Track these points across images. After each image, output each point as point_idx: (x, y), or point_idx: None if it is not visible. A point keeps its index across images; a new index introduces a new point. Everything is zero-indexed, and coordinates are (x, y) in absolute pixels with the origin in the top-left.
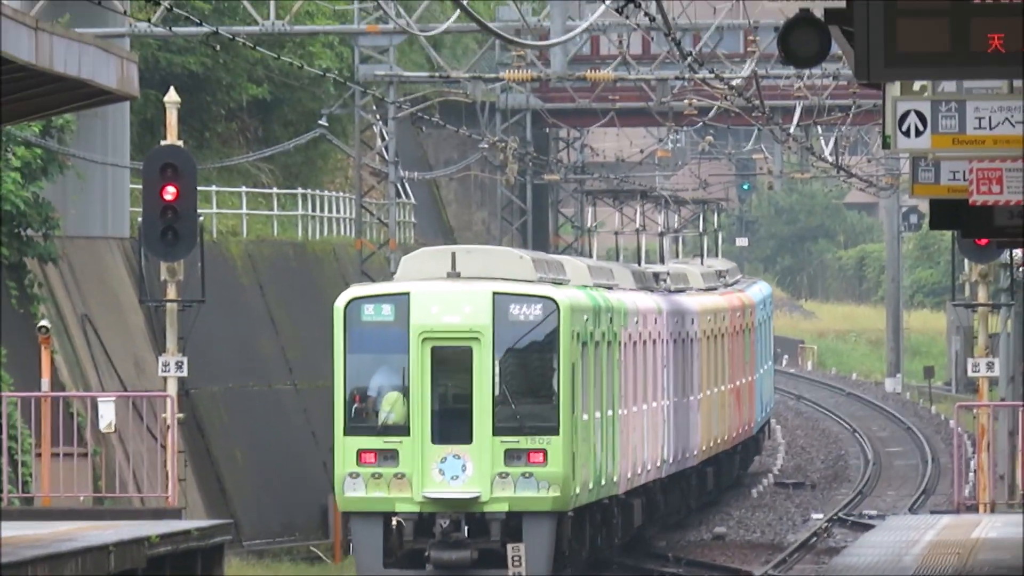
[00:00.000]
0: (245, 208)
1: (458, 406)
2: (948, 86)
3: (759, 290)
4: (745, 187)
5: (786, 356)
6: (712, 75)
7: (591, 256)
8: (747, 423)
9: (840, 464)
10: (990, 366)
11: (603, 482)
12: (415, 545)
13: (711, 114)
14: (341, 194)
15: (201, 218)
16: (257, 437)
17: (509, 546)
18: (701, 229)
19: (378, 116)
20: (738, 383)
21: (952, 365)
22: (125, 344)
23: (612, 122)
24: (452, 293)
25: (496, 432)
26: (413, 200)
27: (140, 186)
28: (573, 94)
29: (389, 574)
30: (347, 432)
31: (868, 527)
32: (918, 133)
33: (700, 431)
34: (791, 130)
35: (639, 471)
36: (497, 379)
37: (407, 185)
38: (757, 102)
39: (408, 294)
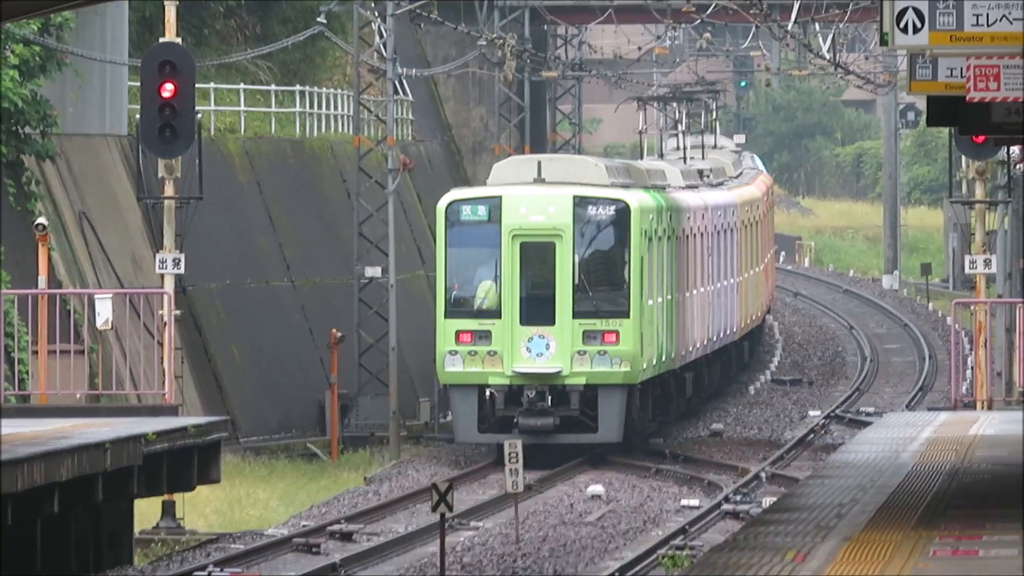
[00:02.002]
0: (243, 105)
1: (543, 293)
2: None
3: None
4: (743, 84)
5: (783, 253)
6: None
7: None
8: (769, 297)
9: (837, 361)
10: (987, 263)
11: (664, 358)
12: (505, 413)
13: (709, 11)
14: (339, 91)
15: (199, 115)
16: (254, 334)
17: (507, 442)
18: (698, 124)
19: (376, 13)
20: (764, 263)
21: (949, 262)
22: (122, 241)
23: (610, 19)
24: (538, 196)
25: (575, 315)
26: (411, 97)
27: (138, 83)
28: None
29: (483, 438)
30: (447, 315)
31: (865, 424)
32: (916, 30)
33: (738, 310)
34: (789, 27)
35: (691, 348)
36: (576, 270)
37: (405, 82)
38: None
39: (500, 197)
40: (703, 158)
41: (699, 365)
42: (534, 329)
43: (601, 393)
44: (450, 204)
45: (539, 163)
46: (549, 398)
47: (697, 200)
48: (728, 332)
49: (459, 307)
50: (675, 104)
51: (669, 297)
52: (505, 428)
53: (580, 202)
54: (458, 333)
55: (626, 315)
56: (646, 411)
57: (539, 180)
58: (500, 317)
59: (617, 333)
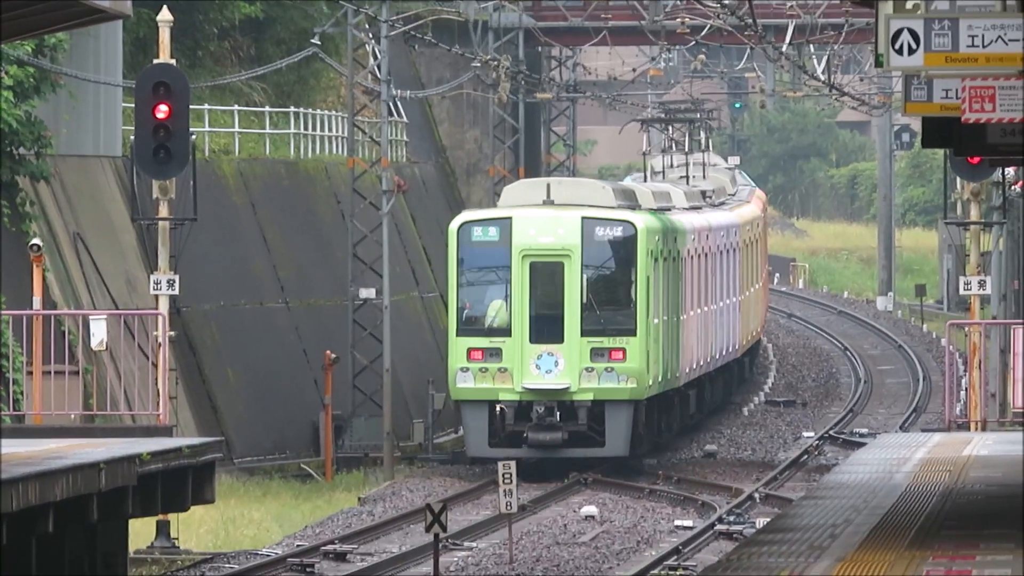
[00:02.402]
0: (237, 127)
1: (552, 312)
2: (941, 4)
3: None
4: (737, 106)
5: (778, 274)
6: None
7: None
8: (765, 313)
9: (831, 382)
10: (982, 284)
11: (668, 376)
12: (515, 428)
13: (703, 33)
14: (333, 113)
15: (193, 136)
16: (248, 355)
17: (500, 464)
18: (699, 144)
19: (371, 35)
20: (762, 280)
21: (944, 283)
22: (117, 262)
23: (604, 41)
24: (547, 217)
25: (583, 333)
26: (405, 119)
27: (132, 105)
28: (565, 12)
29: (493, 452)
30: (459, 333)
31: (859, 445)
32: (911, 51)
33: (740, 327)
34: (783, 49)
35: (695, 366)
36: (584, 289)
37: (399, 104)
38: (749, 21)
39: (511, 218)
40: (704, 177)
41: (702, 382)
42: (543, 347)
43: (608, 409)
44: (462, 225)
45: (548, 185)
46: (558, 413)
47: (701, 221)
48: (731, 349)
49: (470, 325)
50: (676, 125)
51: (674, 316)
52: (515, 443)
53: (588, 223)
54: (469, 350)
55: (633, 333)
56: (651, 426)
57: (548, 202)
58: (510, 335)
59: (624, 351)
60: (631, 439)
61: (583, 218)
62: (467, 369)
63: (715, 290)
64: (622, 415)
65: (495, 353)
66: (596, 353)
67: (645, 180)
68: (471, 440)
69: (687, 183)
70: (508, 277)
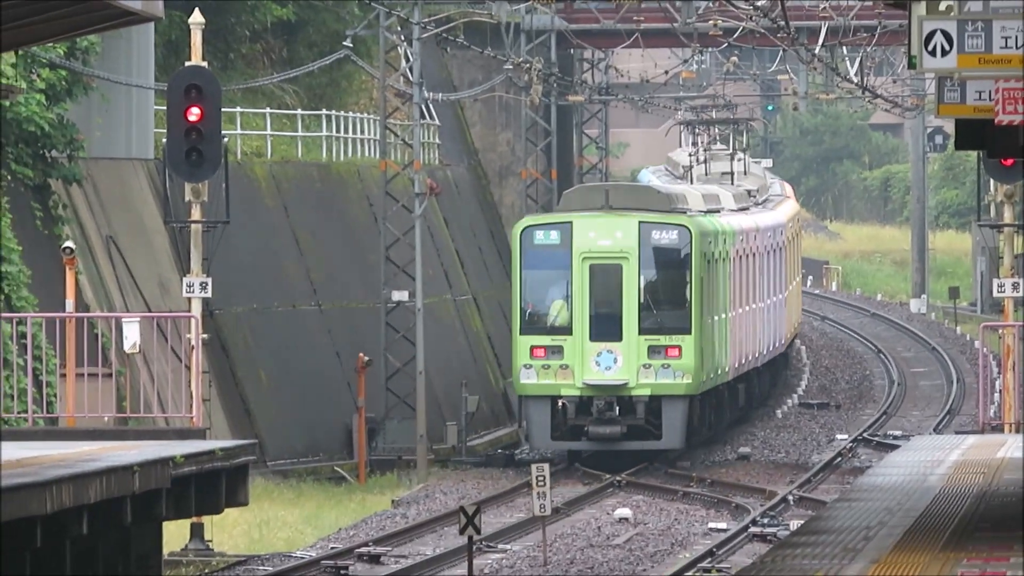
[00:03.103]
0: (269, 129)
1: (611, 311)
2: (974, 6)
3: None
4: (770, 108)
5: (811, 277)
6: None
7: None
8: (800, 307)
9: (865, 385)
10: (1015, 286)
11: (719, 372)
12: (576, 422)
13: (736, 35)
14: (365, 115)
15: (225, 139)
16: (281, 358)
17: (534, 466)
18: (740, 144)
19: (403, 37)
20: (794, 282)
21: (977, 285)
22: (149, 265)
23: (636, 43)
24: (606, 222)
25: (641, 332)
26: (437, 121)
27: (164, 107)
28: (598, 15)
29: (556, 445)
30: (522, 332)
31: (893, 447)
32: (944, 53)
33: (786, 323)
34: (816, 51)
35: (744, 361)
36: (642, 290)
37: (431, 106)
38: (782, 23)
39: (571, 223)
40: (745, 176)
41: (750, 376)
42: (603, 344)
43: (665, 403)
44: (524, 229)
45: (607, 191)
46: (617, 408)
47: (749, 223)
48: (778, 344)
49: (533, 324)
50: (719, 127)
51: (725, 314)
52: (576, 436)
53: (645, 227)
54: (532, 348)
55: (688, 331)
56: (704, 419)
57: (606, 207)
58: (571, 333)
59: (680, 348)
60: (686, 432)
61: (640, 223)
62: (530, 366)
63: (762, 288)
64: (678, 409)
65: (557, 351)
66: (653, 350)
67: (691, 182)
68: (534, 433)
69: (732, 183)
70: (569, 278)
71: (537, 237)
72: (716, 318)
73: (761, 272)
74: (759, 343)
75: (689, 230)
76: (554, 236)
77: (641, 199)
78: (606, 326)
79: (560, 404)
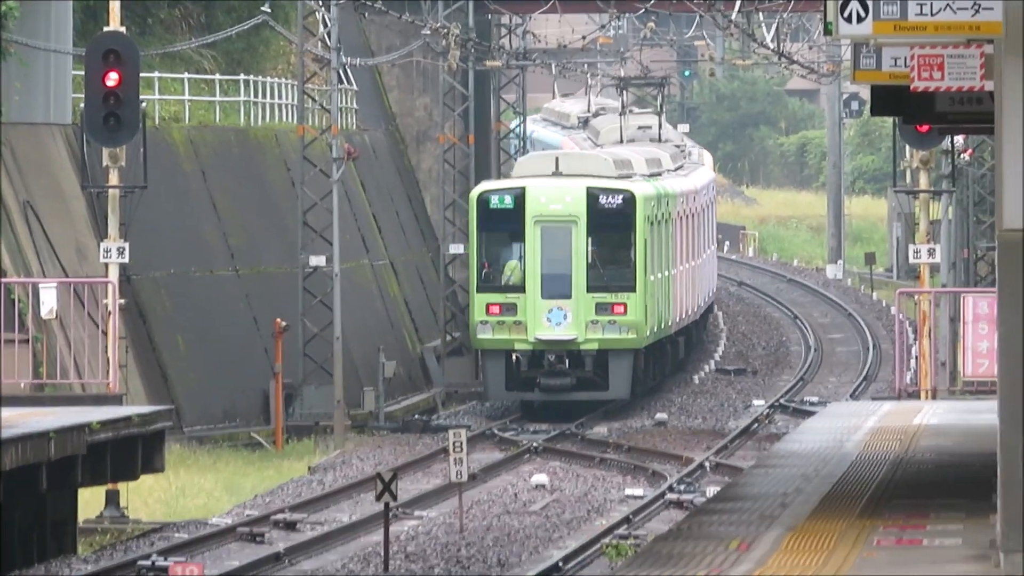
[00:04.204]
0: (187, 94)
1: (561, 271)
2: None
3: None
4: (687, 74)
5: (728, 242)
6: None
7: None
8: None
9: (781, 351)
10: (931, 252)
11: (662, 326)
12: (528, 374)
13: (653, 0)
14: (283, 80)
15: (143, 104)
16: (199, 323)
17: (451, 432)
18: (658, 107)
19: (320, 2)
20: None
21: (893, 251)
22: (67, 230)
23: (554, 8)
24: (556, 187)
25: (589, 290)
26: (355, 86)
27: (83, 73)
28: None
29: (510, 395)
30: (479, 290)
31: (809, 414)
32: (860, 19)
33: (710, 279)
34: (732, 16)
35: (683, 316)
36: (589, 251)
37: (349, 71)
38: None
39: (524, 188)
40: (663, 140)
41: (688, 329)
42: (553, 302)
43: (611, 357)
44: (481, 194)
45: (556, 159)
46: (567, 361)
47: (688, 184)
48: (708, 297)
49: (489, 283)
50: (649, 88)
51: (666, 272)
52: (529, 387)
53: (592, 192)
54: (488, 305)
55: (632, 290)
56: (649, 371)
57: (557, 173)
58: (524, 292)
59: (625, 305)
60: (632, 383)
61: (588, 188)
62: (486, 322)
63: (698, 246)
64: (624, 362)
65: (511, 308)
66: (600, 307)
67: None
68: (490, 384)
69: (659, 140)
70: (522, 240)
71: (492, 201)
72: (659, 275)
73: (697, 231)
74: (696, 297)
75: (633, 194)
76: (508, 200)
77: (589, 166)
78: (556, 284)
79: (514, 357)
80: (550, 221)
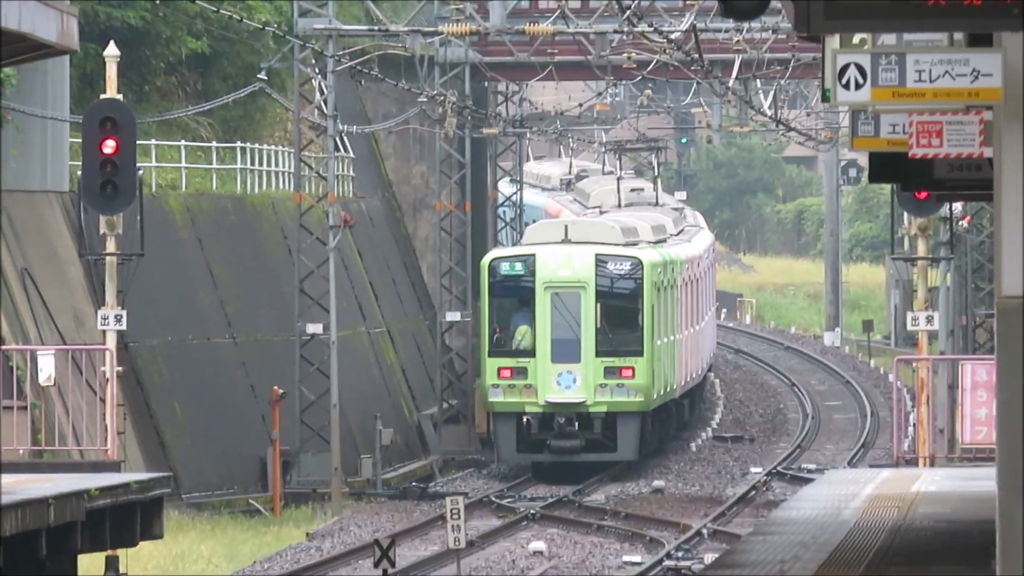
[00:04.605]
0: (184, 162)
1: (570, 336)
2: (888, 39)
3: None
4: (683, 141)
5: (725, 310)
6: (651, 29)
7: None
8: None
9: (779, 418)
10: (929, 320)
11: (668, 389)
12: (539, 436)
13: (650, 68)
14: (280, 148)
15: (140, 172)
16: (196, 390)
17: (448, 499)
18: (655, 172)
19: (317, 70)
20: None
21: (891, 319)
22: (64, 297)
23: (551, 76)
24: (566, 253)
25: (598, 354)
26: (352, 154)
27: (79, 140)
28: (512, 48)
29: (521, 457)
30: (490, 354)
31: (807, 481)
32: (858, 86)
33: (710, 343)
34: (730, 84)
35: (687, 378)
36: (598, 316)
37: (346, 139)
38: (696, 56)
39: (534, 255)
40: (657, 204)
41: (693, 391)
42: (563, 366)
43: (620, 419)
44: (492, 260)
45: (566, 226)
46: (576, 423)
47: (691, 250)
48: (709, 360)
49: (500, 347)
50: (644, 155)
51: (672, 336)
52: (539, 449)
53: (601, 258)
54: (499, 369)
55: (640, 354)
56: (655, 433)
57: (566, 240)
58: (535, 356)
59: (633, 368)
60: (639, 444)
61: (596, 255)
62: (498, 386)
63: (700, 310)
64: (632, 424)
65: (522, 371)
66: (609, 371)
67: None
68: (502, 446)
69: (657, 203)
70: (532, 306)
71: (503, 268)
72: (665, 340)
73: (700, 295)
74: (700, 360)
75: (640, 261)
76: (519, 267)
77: (597, 233)
78: (566, 349)
79: (525, 420)
80: (560, 287)
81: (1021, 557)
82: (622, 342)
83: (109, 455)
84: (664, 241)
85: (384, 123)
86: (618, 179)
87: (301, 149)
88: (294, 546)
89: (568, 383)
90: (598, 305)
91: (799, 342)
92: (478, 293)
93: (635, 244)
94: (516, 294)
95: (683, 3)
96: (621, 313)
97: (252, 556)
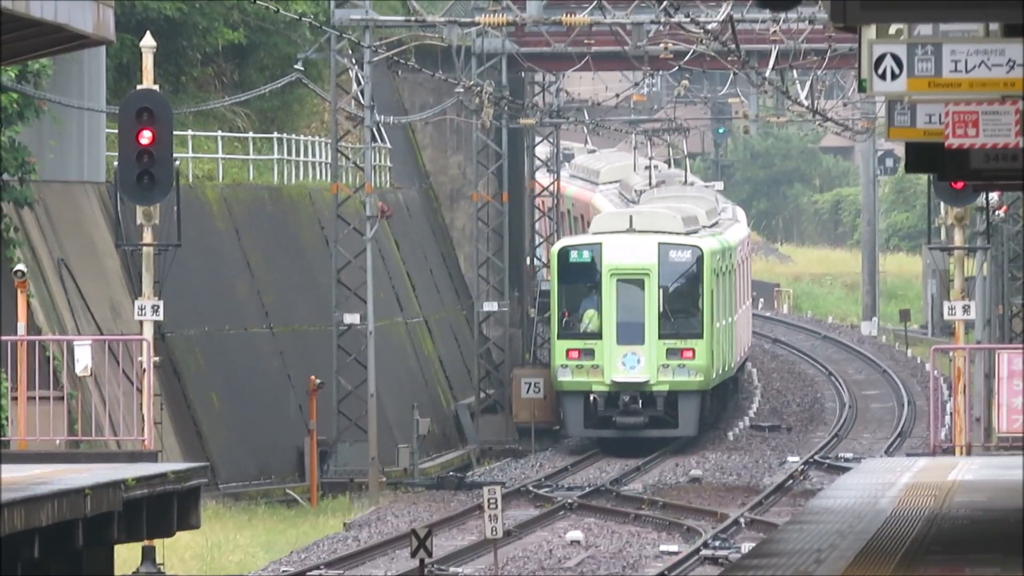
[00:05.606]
0: (221, 152)
1: (635, 319)
2: (924, 29)
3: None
4: (720, 131)
5: (762, 299)
6: (688, 19)
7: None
8: None
9: (816, 407)
10: (966, 309)
11: (725, 368)
12: (605, 413)
13: (687, 58)
14: (317, 138)
15: (177, 162)
16: (233, 380)
17: (485, 488)
18: (683, 154)
19: (354, 60)
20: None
21: (928, 308)
22: (101, 288)
23: (587, 66)
24: (630, 242)
25: (660, 337)
26: (389, 144)
27: (116, 130)
28: (548, 38)
29: (588, 432)
30: (559, 337)
31: (844, 470)
32: (894, 76)
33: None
34: (767, 74)
35: (740, 356)
36: (661, 301)
37: (383, 129)
38: (733, 46)
39: (601, 243)
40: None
41: (744, 368)
42: (628, 347)
43: (681, 398)
44: (561, 249)
45: (631, 216)
46: (640, 402)
47: (742, 234)
48: (752, 341)
49: (569, 330)
50: (665, 139)
51: (729, 318)
52: (605, 425)
53: (663, 247)
54: (568, 351)
55: (700, 336)
56: (713, 410)
57: (631, 229)
58: (601, 338)
59: (694, 350)
60: (699, 422)
61: (659, 243)
62: (566, 366)
63: (748, 292)
64: (692, 403)
65: (589, 353)
66: (670, 353)
67: (623, 197)
68: (570, 423)
69: (687, 185)
70: (599, 291)
71: (572, 256)
72: (723, 322)
73: (747, 278)
74: (748, 339)
75: (700, 249)
76: (586, 255)
77: (659, 222)
78: (631, 332)
79: (592, 398)
80: (625, 273)
81: None
82: (683, 325)
83: (146, 445)
84: (717, 224)
85: (421, 113)
86: (646, 168)
87: (338, 140)
88: (331, 536)
89: (632, 364)
90: (660, 290)
91: (836, 331)
92: (520, 283)
93: (695, 232)
94: (584, 280)
95: None
96: (682, 298)
97: (289, 546)
